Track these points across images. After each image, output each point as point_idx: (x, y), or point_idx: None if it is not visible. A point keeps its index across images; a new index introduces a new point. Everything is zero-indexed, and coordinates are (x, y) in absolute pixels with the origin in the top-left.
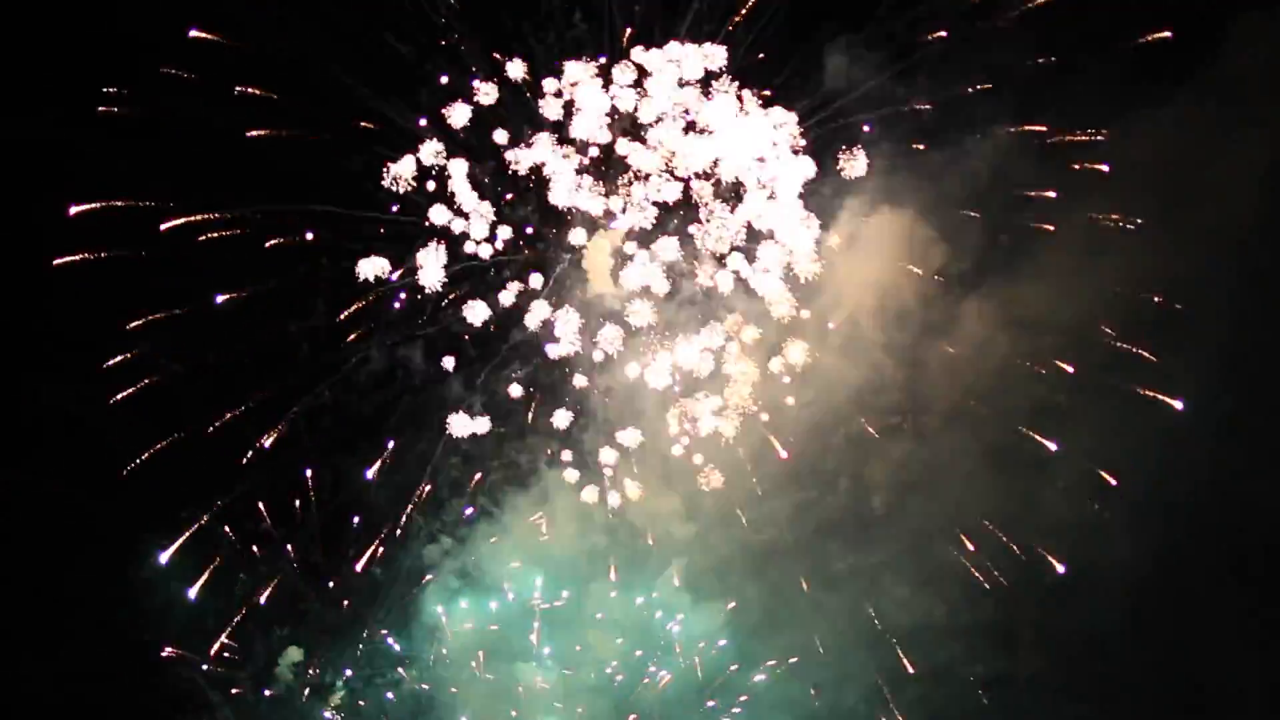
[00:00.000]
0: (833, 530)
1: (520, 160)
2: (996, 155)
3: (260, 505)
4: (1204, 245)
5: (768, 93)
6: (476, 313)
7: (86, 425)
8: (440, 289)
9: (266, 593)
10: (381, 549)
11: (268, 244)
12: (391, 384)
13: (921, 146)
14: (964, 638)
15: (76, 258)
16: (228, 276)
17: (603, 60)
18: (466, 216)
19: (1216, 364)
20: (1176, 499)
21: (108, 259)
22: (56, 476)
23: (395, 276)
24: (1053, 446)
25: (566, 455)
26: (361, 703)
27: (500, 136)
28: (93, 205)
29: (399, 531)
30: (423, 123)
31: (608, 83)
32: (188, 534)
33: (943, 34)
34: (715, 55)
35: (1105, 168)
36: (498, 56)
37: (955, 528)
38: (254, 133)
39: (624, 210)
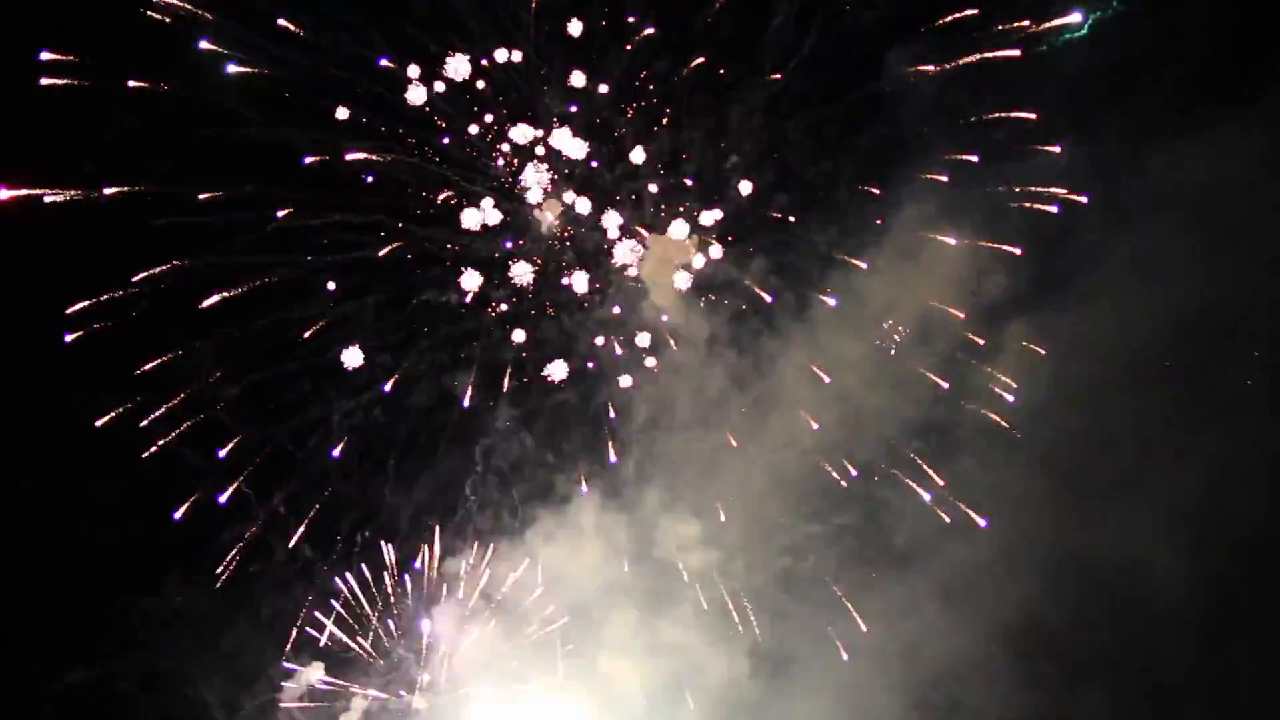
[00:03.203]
0: (868, 558)
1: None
2: (1048, 176)
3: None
4: (1256, 269)
5: None
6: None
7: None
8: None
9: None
10: (403, 570)
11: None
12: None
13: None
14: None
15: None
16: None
17: None
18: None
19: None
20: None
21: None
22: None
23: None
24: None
25: (596, 481)
26: None
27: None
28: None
29: (424, 552)
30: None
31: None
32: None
33: (1010, 54)
34: None
35: (1156, 191)
36: None
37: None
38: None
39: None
